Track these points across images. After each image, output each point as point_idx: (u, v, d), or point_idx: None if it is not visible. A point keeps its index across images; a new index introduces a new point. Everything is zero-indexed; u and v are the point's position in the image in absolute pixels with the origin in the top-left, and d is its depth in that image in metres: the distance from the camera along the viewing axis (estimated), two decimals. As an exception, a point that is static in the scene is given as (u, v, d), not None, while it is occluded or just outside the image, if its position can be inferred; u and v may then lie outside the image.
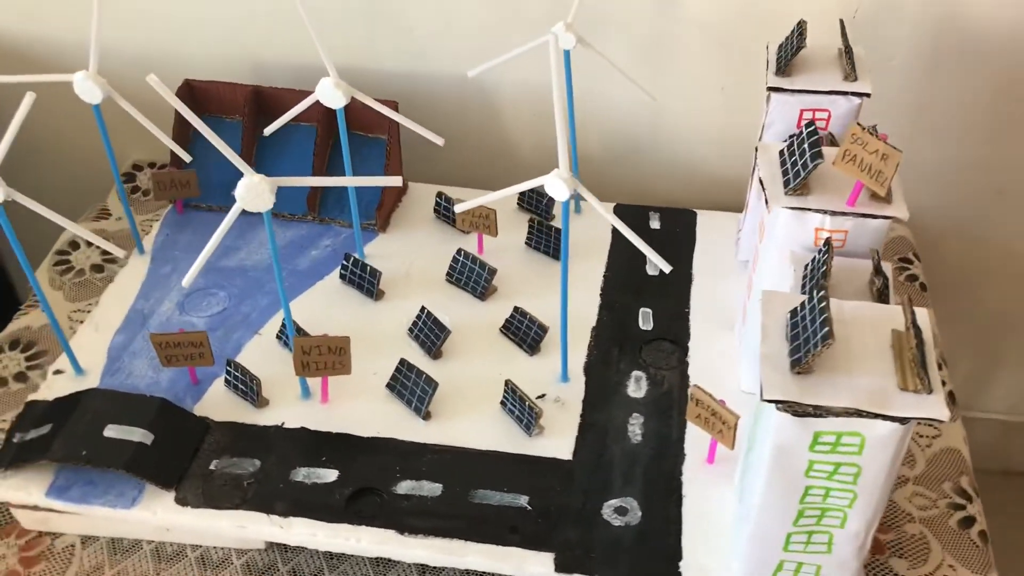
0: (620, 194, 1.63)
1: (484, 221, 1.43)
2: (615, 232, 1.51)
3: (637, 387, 1.27)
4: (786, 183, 1.10)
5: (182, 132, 1.57)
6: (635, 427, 1.22)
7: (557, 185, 1.09)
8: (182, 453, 1.18)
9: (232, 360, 1.26)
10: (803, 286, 1.04)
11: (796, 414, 0.87)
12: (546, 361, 1.31)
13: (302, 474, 1.17)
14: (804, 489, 0.93)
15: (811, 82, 1.27)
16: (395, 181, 1.08)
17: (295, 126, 1.57)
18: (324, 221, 1.54)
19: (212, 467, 1.18)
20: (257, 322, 1.38)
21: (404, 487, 1.15)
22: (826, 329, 0.86)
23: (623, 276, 1.44)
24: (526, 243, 1.50)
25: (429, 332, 1.32)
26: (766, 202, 1.13)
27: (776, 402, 0.87)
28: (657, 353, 1.32)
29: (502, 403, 1.24)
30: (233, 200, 1.10)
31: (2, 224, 1.12)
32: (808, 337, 0.88)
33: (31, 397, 1.26)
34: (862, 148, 1.03)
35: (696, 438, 1.19)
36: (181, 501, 1.14)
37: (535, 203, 1.55)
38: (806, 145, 1.09)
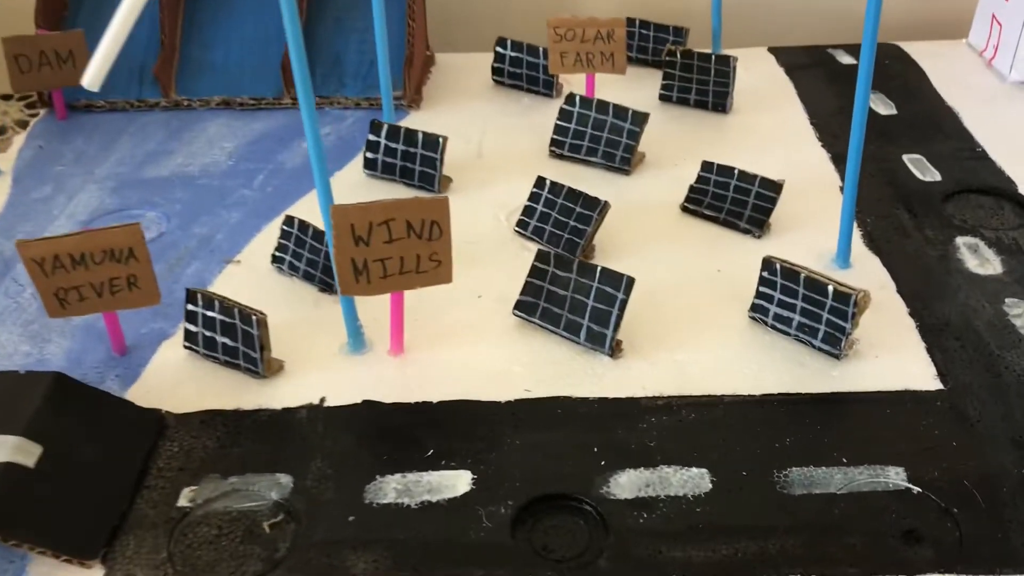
0: (763, 38, 1.06)
1: (605, 47, 0.83)
2: (796, 71, 0.94)
3: (980, 260, 0.68)
4: None
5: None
6: (1020, 319, 0.62)
7: None
8: (113, 479, 0.53)
9: (196, 290, 0.61)
10: None
11: None
12: (784, 242, 0.71)
13: (392, 489, 0.52)
14: None
15: None
16: None
17: (245, -31, 0.96)
18: (313, 104, 0.91)
19: (185, 503, 0.52)
20: (226, 247, 0.73)
21: (626, 484, 0.52)
22: None
23: (841, 121, 0.86)
24: (661, 97, 0.90)
25: (563, 215, 0.70)
26: None
27: None
28: (976, 211, 0.74)
29: (756, 309, 0.62)
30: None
31: None
32: None
33: None
34: None
35: None
36: (121, 586, 0.49)
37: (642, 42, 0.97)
38: None
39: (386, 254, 0.58)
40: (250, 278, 0.70)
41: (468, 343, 0.63)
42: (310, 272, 0.68)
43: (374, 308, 0.63)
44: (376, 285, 0.58)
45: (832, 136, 0.84)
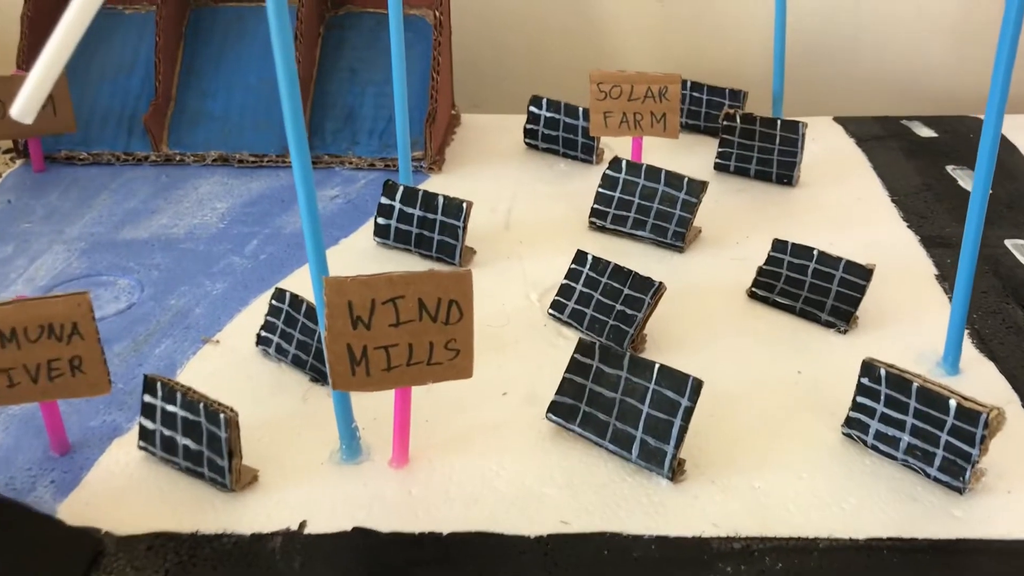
0: (825, 107, 0.97)
1: (656, 106, 0.72)
2: (868, 143, 0.83)
3: (1123, 369, 0.55)
4: None
5: (36, 40, 0.84)
6: None
7: None
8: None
9: (156, 377, 0.50)
10: None
11: None
12: (875, 340, 0.59)
13: (384, 656, 0.40)
14: None
15: None
16: None
17: (250, 9, 0.87)
18: (321, 163, 0.81)
19: (109, 663, 0.40)
20: (205, 323, 0.62)
21: (697, 663, 0.39)
22: None
23: (927, 199, 0.74)
24: (716, 167, 0.79)
25: (608, 298, 0.58)
26: None
27: None
28: (1105, 307, 0.61)
29: (852, 424, 0.50)
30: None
31: None
32: None
33: None
34: None
35: None
36: None
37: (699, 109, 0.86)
38: None
39: (391, 340, 0.46)
40: (229, 362, 0.58)
41: (489, 455, 0.50)
42: (300, 357, 0.56)
43: (375, 405, 0.51)
44: (377, 379, 0.47)
45: (919, 216, 0.73)
